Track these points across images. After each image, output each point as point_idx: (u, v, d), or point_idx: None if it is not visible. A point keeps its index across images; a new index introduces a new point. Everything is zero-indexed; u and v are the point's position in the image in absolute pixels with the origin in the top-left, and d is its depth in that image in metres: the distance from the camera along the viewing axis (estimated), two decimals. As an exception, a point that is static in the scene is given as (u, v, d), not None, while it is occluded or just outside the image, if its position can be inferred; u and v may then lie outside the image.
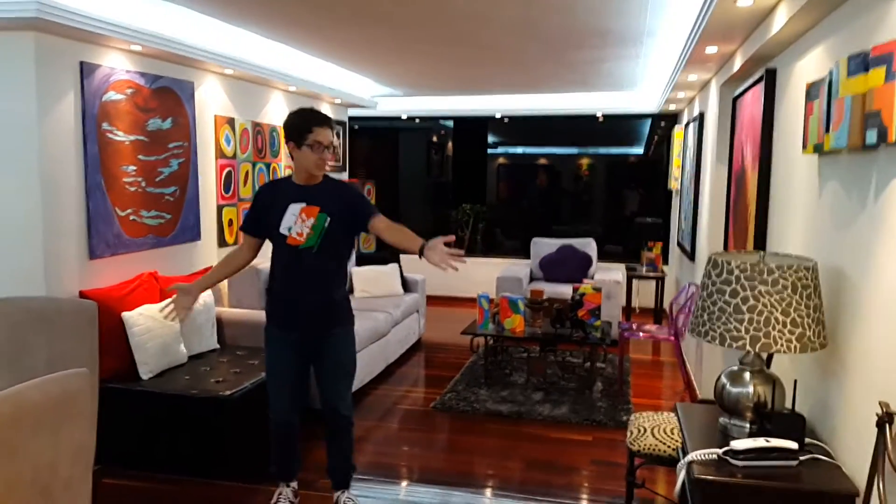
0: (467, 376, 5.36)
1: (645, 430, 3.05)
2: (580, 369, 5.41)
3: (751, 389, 2.08)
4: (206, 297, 4.27)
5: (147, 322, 3.80)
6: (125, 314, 3.74)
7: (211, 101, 4.93)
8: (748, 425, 2.08)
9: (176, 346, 3.96)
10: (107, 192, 3.88)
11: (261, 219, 3.10)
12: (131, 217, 4.10)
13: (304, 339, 3.09)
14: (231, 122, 5.16)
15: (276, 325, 3.13)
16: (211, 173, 4.96)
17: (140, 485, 3.54)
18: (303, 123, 2.98)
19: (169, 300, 3.08)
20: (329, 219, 2.99)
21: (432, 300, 7.22)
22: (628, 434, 3.10)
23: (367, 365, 5.01)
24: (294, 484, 3.34)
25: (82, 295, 3.65)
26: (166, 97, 4.37)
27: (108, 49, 3.85)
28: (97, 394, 2.44)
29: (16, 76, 3.39)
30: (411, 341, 6.13)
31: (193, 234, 4.71)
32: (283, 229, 3.00)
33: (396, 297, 6.02)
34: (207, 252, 4.91)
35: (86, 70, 3.67)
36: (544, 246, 7.47)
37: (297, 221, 2.99)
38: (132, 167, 4.09)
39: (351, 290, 6.11)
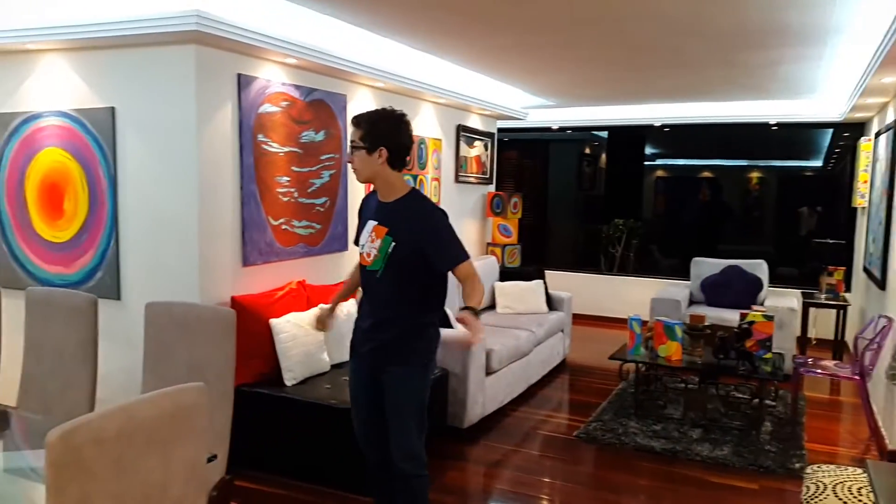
0: (615, 405, 4.99)
1: (825, 488, 2.60)
2: (746, 406, 4.86)
3: (978, 459, 1.65)
4: (350, 306, 4.28)
5: (293, 329, 3.85)
6: (273, 321, 3.81)
7: (362, 114, 4.97)
8: (971, 503, 1.66)
9: (319, 354, 3.99)
10: (261, 202, 3.99)
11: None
12: (283, 226, 4.20)
13: (371, 370, 2.73)
14: (381, 133, 5.18)
15: (350, 350, 2.86)
16: (359, 185, 4.99)
17: (272, 490, 3.56)
18: None
19: (314, 314, 2.98)
20: (394, 244, 2.60)
21: (579, 318, 6.88)
22: (804, 490, 2.66)
23: (508, 385, 4.83)
24: None
25: (234, 300, 3.77)
26: (320, 110, 4.45)
27: (265, 62, 3.96)
28: (231, 404, 2.44)
29: (177, 87, 3.56)
30: (555, 362, 5.85)
31: (341, 244, 4.76)
32: (359, 245, 2.77)
33: (540, 315, 5.77)
34: (353, 262, 4.94)
35: (243, 82, 3.79)
36: (707, 266, 6.89)
37: (368, 240, 2.69)
38: (286, 178, 4.18)
39: (493, 306, 5.94)
